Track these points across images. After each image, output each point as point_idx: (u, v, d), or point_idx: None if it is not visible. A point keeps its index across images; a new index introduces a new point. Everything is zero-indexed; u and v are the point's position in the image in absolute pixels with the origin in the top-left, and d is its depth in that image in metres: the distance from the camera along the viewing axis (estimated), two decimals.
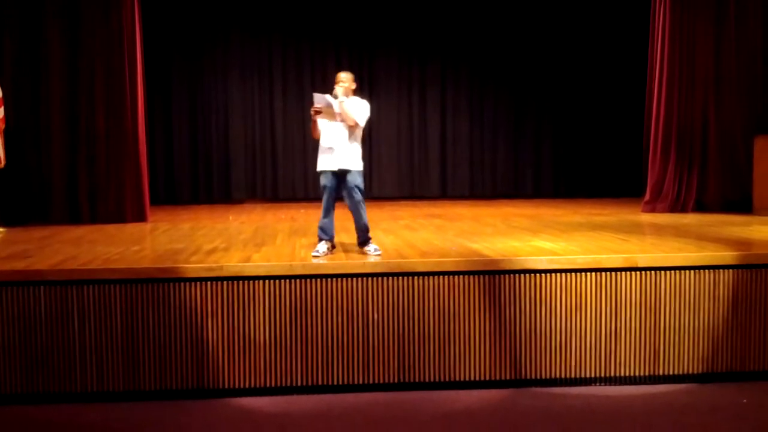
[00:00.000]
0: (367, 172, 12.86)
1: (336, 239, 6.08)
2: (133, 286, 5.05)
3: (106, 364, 5.06)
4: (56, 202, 8.63)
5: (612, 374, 5.32)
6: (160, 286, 5.06)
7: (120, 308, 5.05)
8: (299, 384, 5.15)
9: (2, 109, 8.08)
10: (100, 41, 8.59)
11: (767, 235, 6.85)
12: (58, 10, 8.56)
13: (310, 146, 12.90)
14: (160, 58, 12.04)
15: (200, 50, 12.49)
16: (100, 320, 5.04)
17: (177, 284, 5.07)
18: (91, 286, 5.03)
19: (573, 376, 5.29)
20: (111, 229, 7.88)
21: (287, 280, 5.13)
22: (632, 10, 11.52)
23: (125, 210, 8.66)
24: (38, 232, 7.52)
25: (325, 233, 5.76)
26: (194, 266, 5.15)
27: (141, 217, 8.72)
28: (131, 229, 7.95)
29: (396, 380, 5.20)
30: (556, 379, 5.27)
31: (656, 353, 5.34)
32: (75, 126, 8.65)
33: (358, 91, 13.63)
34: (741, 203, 9.28)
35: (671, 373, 5.35)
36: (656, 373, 5.35)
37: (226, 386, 5.12)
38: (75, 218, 8.57)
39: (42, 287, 5.02)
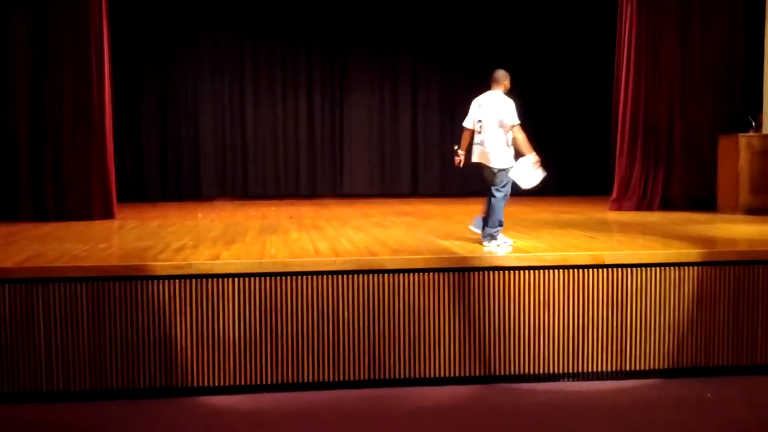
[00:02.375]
0: (339, 170, 12.99)
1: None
2: (100, 284, 4.99)
3: (73, 362, 4.99)
4: (22, 199, 8.49)
5: (580, 370, 5.37)
6: (128, 284, 5.01)
7: (87, 306, 4.98)
8: (269, 382, 5.12)
9: None
10: (67, 36, 8.46)
11: (731, 233, 6.99)
12: (25, 5, 8.41)
13: (281, 143, 12.88)
14: (129, 54, 11.90)
15: (170, 46, 12.38)
16: (66, 319, 4.97)
17: (145, 282, 5.02)
18: (57, 284, 4.96)
19: (541, 372, 5.33)
20: (78, 226, 7.78)
21: (257, 278, 5.10)
22: (600, 9, 11.64)
23: (92, 207, 8.54)
24: (3, 229, 7.39)
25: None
26: (162, 264, 5.10)
27: (108, 215, 8.62)
28: (98, 226, 7.85)
29: (366, 377, 5.20)
30: (524, 375, 5.32)
31: (623, 349, 5.41)
32: (41, 122, 8.51)
33: (331, 88, 13.53)
34: (706, 201, 9.44)
35: (638, 368, 5.42)
36: (623, 369, 5.41)
37: (195, 385, 5.07)
38: (41, 215, 8.44)
39: (7, 285, 4.93)
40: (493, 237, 5.91)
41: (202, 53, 12.54)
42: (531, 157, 5.94)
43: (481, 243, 5.99)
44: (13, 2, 8.41)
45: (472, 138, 6.13)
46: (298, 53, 12.83)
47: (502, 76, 6.16)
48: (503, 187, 5.98)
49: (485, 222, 6.03)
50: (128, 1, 11.37)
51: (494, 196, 5.98)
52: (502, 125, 5.95)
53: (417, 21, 12.94)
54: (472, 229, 6.28)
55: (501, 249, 5.74)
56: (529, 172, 5.95)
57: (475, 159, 6.11)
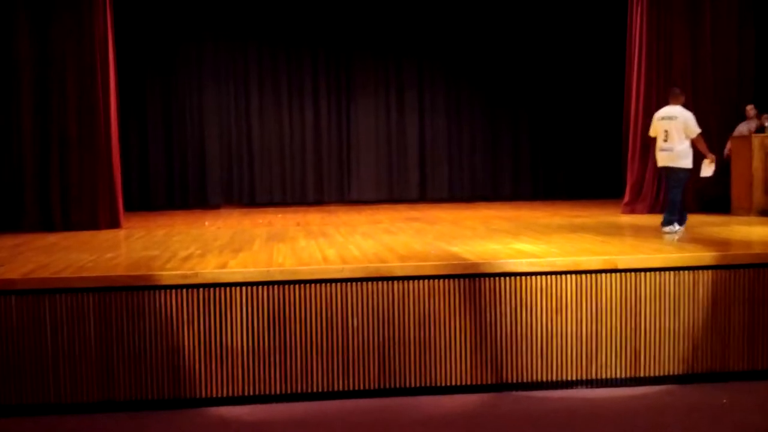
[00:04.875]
0: (346, 176, 12.97)
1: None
2: (107, 294, 4.96)
3: (81, 374, 4.96)
4: (28, 210, 8.50)
5: (593, 376, 5.31)
6: (135, 294, 4.98)
7: (94, 317, 4.95)
8: (278, 392, 5.08)
9: None
10: (71, 45, 8.47)
11: (745, 235, 6.91)
12: (29, 15, 8.42)
13: (287, 150, 12.87)
14: (134, 63, 11.92)
15: (174, 54, 12.39)
16: (73, 330, 4.94)
17: (152, 292, 4.99)
18: (64, 295, 4.93)
19: (554, 379, 5.27)
20: (84, 236, 7.76)
21: (265, 286, 5.06)
22: (610, 11, 11.58)
23: (98, 217, 8.54)
24: (9, 240, 7.38)
25: None
26: (169, 273, 5.07)
27: (115, 224, 8.61)
28: (105, 236, 7.83)
29: (376, 386, 5.15)
30: (537, 382, 5.25)
31: (636, 355, 5.34)
32: (46, 132, 8.52)
33: (337, 94, 13.51)
34: (719, 203, 9.36)
35: (651, 374, 5.35)
36: (637, 375, 5.34)
37: (204, 395, 5.03)
38: (47, 225, 8.44)
39: (14, 297, 4.91)
40: (671, 223, 7.13)
41: (206, 61, 12.55)
42: (710, 157, 7.39)
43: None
44: (17, 13, 8.41)
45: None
46: (302, 60, 12.82)
47: (679, 92, 7.57)
48: (682, 183, 7.33)
49: (669, 212, 7.28)
50: (132, 11, 11.37)
51: (676, 190, 7.29)
52: (686, 133, 7.21)
53: (421, 26, 12.90)
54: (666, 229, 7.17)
55: (677, 234, 6.95)
56: (707, 168, 7.45)
57: (662, 163, 7.43)
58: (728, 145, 9.13)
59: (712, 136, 9.60)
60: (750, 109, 9.50)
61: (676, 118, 7.31)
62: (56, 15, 8.43)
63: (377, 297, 5.13)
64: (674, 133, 7.26)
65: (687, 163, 7.28)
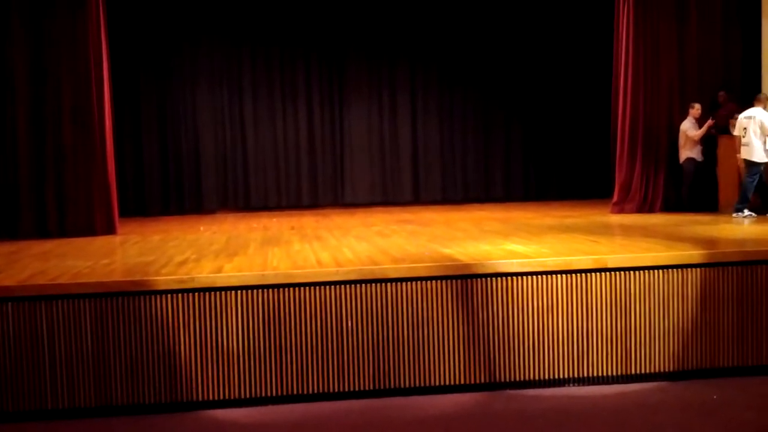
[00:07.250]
0: (340, 179, 13.01)
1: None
2: (104, 300, 4.99)
3: (77, 379, 4.99)
4: (23, 216, 8.50)
5: (584, 374, 5.36)
6: (131, 300, 5.01)
7: (90, 323, 4.98)
8: (274, 394, 5.12)
9: None
10: (65, 52, 8.48)
11: (733, 234, 6.98)
12: (23, 22, 8.44)
13: (281, 154, 12.90)
14: (128, 69, 11.93)
15: (168, 60, 12.41)
16: (70, 336, 4.97)
17: (148, 297, 5.02)
18: (60, 301, 4.96)
19: (546, 377, 5.32)
20: (80, 242, 7.78)
21: (260, 290, 5.10)
22: (598, 13, 11.67)
23: (94, 223, 8.55)
24: (5, 248, 7.40)
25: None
26: (165, 278, 5.10)
27: (110, 230, 8.63)
28: (101, 242, 7.86)
29: (371, 387, 5.19)
30: (529, 381, 5.30)
31: (627, 353, 5.39)
32: (41, 139, 8.53)
33: (330, 97, 13.54)
34: (707, 202, 9.43)
35: (642, 371, 5.41)
36: (628, 373, 5.40)
37: (200, 399, 5.07)
38: (43, 232, 8.45)
39: (10, 304, 4.94)
40: (740, 210, 8.48)
41: (200, 66, 12.56)
42: None
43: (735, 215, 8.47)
44: (11, 19, 8.42)
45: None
46: (296, 64, 12.85)
47: (763, 97, 8.76)
48: (754, 175, 8.52)
49: (739, 200, 8.59)
50: (126, 15, 11.40)
51: (749, 180, 8.54)
52: (762, 131, 8.49)
53: (414, 29, 12.95)
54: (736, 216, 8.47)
55: (746, 219, 8.27)
56: None
57: (742, 156, 8.68)
58: (710, 122, 9.37)
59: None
60: (696, 109, 9.46)
61: (754, 117, 8.60)
62: (50, 21, 8.44)
63: (371, 299, 5.18)
64: (751, 130, 8.54)
65: (760, 157, 8.50)
